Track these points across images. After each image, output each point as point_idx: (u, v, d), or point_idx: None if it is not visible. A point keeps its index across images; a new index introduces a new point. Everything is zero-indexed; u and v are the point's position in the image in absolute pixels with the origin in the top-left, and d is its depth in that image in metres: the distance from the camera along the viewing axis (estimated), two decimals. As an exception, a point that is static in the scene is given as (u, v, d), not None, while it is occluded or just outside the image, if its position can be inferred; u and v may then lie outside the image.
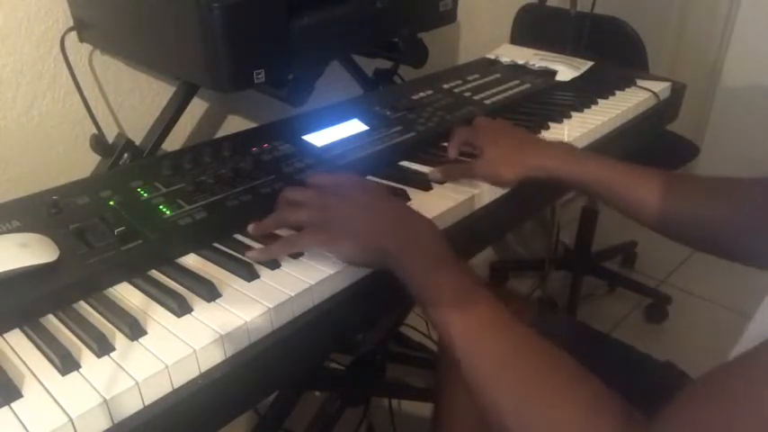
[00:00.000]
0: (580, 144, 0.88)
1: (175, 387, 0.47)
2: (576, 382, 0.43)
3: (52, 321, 0.52)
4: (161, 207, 0.65)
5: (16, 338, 0.50)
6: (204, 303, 0.53)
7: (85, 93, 0.90)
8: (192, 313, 0.52)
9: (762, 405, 0.31)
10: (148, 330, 0.50)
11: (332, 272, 0.57)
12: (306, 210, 0.58)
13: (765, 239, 0.55)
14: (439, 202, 0.69)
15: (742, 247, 0.59)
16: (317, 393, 1.22)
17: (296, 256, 0.59)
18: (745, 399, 0.32)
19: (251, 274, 0.56)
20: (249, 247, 0.60)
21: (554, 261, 1.84)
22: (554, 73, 1.11)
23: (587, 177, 0.70)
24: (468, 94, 1.01)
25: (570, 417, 0.41)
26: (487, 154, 0.74)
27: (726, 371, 0.34)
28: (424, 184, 0.73)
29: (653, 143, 1.13)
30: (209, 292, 0.54)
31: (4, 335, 0.50)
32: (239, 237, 0.63)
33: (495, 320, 0.49)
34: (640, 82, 1.08)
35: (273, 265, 0.58)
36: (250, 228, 0.62)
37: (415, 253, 0.53)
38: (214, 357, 0.49)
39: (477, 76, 1.09)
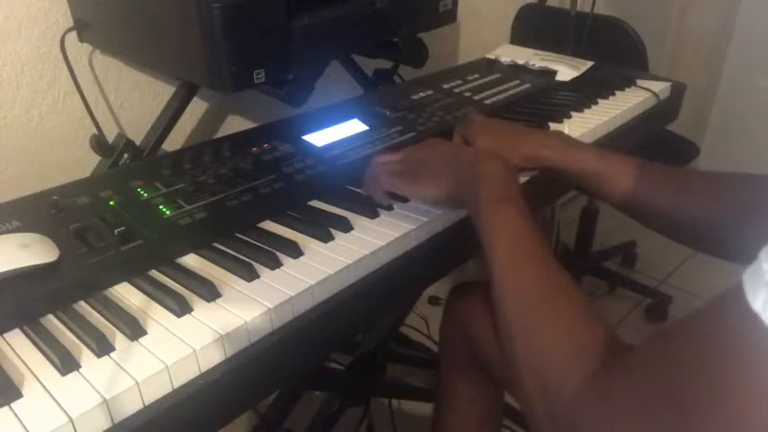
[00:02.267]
0: (580, 144, 0.88)
1: (175, 387, 0.47)
2: (580, 322, 0.46)
3: (52, 321, 0.52)
4: (161, 207, 0.65)
5: (16, 338, 0.50)
6: (204, 303, 0.53)
7: (85, 93, 0.90)
8: (192, 313, 0.52)
9: (722, 346, 0.32)
10: (148, 330, 0.50)
11: (332, 272, 0.57)
12: (391, 164, 0.67)
13: (747, 235, 0.56)
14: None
15: (725, 242, 0.60)
16: (317, 393, 1.22)
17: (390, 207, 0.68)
18: (706, 339, 0.34)
19: (251, 274, 0.56)
20: (249, 246, 0.61)
21: (554, 261, 1.84)
22: (554, 73, 1.11)
23: (578, 167, 0.70)
24: (468, 94, 1.01)
25: (559, 345, 0.45)
26: (481, 147, 0.74)
27: (688, 317, 0.36)
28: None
29: (653, 143, 1.13)
30: (209, 292, 0.54)
31: (4, 335, 0.50)
32: (240, 236, 0.63)
33: (528, 255, 0.52)
34: (640, 82, 1.08)
35: (274, 264, 0.58)
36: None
37: (486, 186, 0.58)
38: (214, 357, 0.49)
39: (477, 76, 1.09)
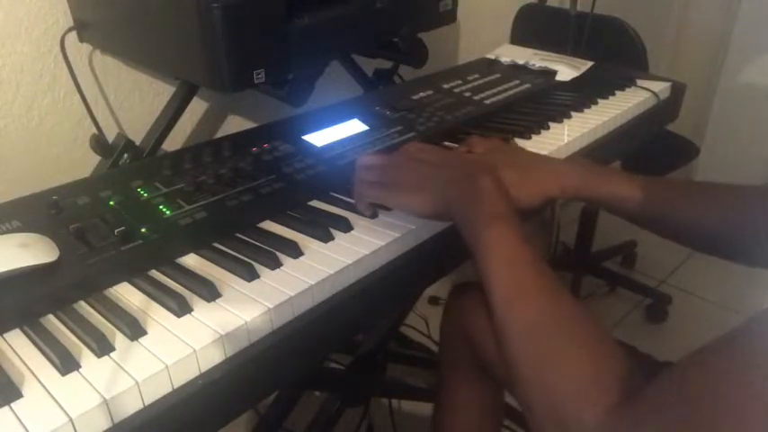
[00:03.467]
0: (580, 144, 0.88)
1: (175, 387, 0.47)
2: (595, 354, 0.44)
3: (52, 321, 0.52)
4: (161, 207, 0.65)
5: (16, 338, 0.50)
6: (204, 303, 0.53)
7: (85, 93, 0.90)
8: (192, 313, 0.52)
9: (743, 384, 0.32)
10: (148, 330, 0.50)
11: (332, 272, 0.57)
12: (373, 171, 0.64)
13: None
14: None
15: (751, 251, 0.59)
16: (317, 393, 1.22)
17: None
18: (727, 377, 0.33)
19: (251, 274, 0.56)
20: (249, 246, 0.61)
21: (554, 261, 1.84)
22: (554, 73, 1.11)
23: (608, 195, 0.68)
24: (468, 94, 1.01)
25: (573, 373, 0.43)
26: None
27: (709, 349, 0.35)
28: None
29: (653, 143, 1.13)
30: (210, 292, 0.54)
31: (4, 335, 0.50)
32: (240, 236, 0.63)
33: (535, 282, 0.50)
34: (640, 82, 1.08)
35: (274, 264, 0.58)
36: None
37: (476, 205, 0.55)
38: (214, 357, 0.49)
39: (477, 76, 1.09)
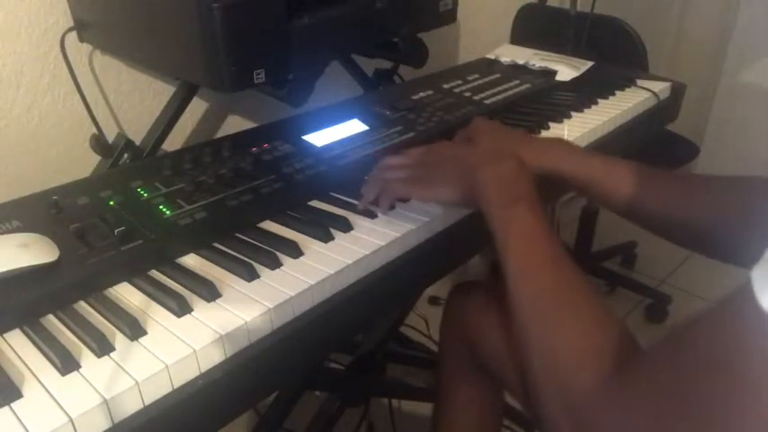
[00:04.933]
0: (580, 144, 0.88)
1: (175, 387, 0.47)
2: (596, 325, 0.47)
3: (52, 321, 0.52)
4: (161, 207, 0.65)
5: (16, 338, 0.50)
6: (204, 303, 0.53)
7: (85, 93, 0.90)
8: (192, 313, 0.52)
9: (737, 350, 0.32)
10: (148, 330, 0.50)
11: (332, 272, 0.57)
12: (402, 169, 0.67)
13: (751, 237, 0.56)
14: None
15: (729, 245, 0.60)
16: (317, 393, 1.22)
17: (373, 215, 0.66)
18: (720, 346, 0.34)
19: (251, 274, 0.56)
20: (249, 246, 0.61)
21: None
22: (554, 73, 1.11)
23: (582, 175, 0.69)
24: (468, 94, 1.01)
25: (574, 340, 0.46)
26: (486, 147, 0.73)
27: (699, 317, 0.36)
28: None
29: (653, 143, 1.13)
30: (210, 292, 0.54)
31: (4, 335, 0.50)
32: (240, 236, 0.63)
33: (547, 256, 0.53)
34: (640, 82, 1.08)
35: (274, 264, 0.58)
36: (359, 205, 0.68)
37: (500, 187, 0.58)
38: (214, 357, 0.49)
39: (477, 76, 1.09)
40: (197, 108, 1.08)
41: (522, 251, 0.53)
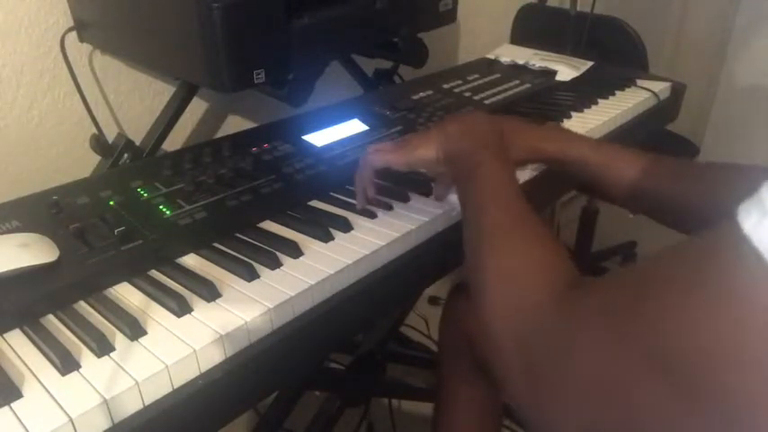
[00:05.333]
0: (580, 144, 0.88)
1: (175, 387, 0.47)
2: (550, 251, 0.47)
3: (52, 321, 0.52)
4: (161, 207, 0.65)
5: (16, 338, 0.50)
6: (204, 303, 0.53)
7: (85, 93, 0.90)
8: (192, 313, 0.52)
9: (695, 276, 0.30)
10: (148, 330, 0.50)
11: (332, 272, 0.57)
12: (383, 145, 0.68)
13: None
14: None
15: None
16: (317, 393, 1.22)
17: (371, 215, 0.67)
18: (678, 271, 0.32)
19: (251, 274, 0.56)
20: (249, 246, 0.61)
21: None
22: (554, 73, 1.11)
23: (579, 158, 0.68)
24: (468, 94, 1.01)
25: (527, 260, 0.46)
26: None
27: (666, 252, 0.34)
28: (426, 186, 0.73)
29: (653, 143, 1.13)
30: (210, 292, 0.54)
31: (4, 335, 0.50)
32: (240, 236, 0.63)
33: (505, 194, 0.54)
34: (640, 82, 1.08)
35: (274, 264, 0.58)
36: (357, 204, 0.69)
37: (469, 137, 0.62)
38: (214, 357, 0.49)
39: (477, 76, 1.09)
40: (197, 108, 1.08)
41: (483, 188, 0.55)
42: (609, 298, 0.35)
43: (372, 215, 0.67)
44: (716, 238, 0.30)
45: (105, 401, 0.43)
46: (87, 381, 0.45)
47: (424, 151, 0.65)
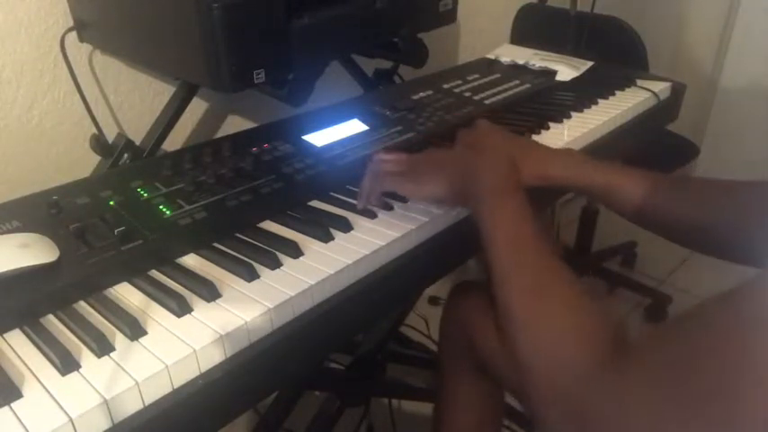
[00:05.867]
0: (580, 144, 0.88)
1: (175, 387, 0.47)
2: (582, 309, 0.47)
3: (52, 321, 0.52)
4: (161, 207, 0.65)
5: (16, 338, 0.50)
6: (204, 303, 0.53)
7: (85, 93, 0.90)
8: (192, 313, 0.52)
9: (748, 342, 0.31)
10: (148, 330, 0.50)
11: (332, 272, 0.57)
12: (396, 165, 0.67)
13: (757, 238, 0.56)
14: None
15: (736, 246, 0.59)
16: (317, 393, 1.22)
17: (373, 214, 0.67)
18: (730, 334, 0.32)
19: (251, 274, 0.56)
20: (249, 246, 0.61)
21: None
22: (554, 73, 1.11)
23: (587, 184, 0.69)
24: (468, 94, 1.01)
25: (565, 333, 0.45)
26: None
27: (711, 305, 0.35)
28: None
29: (653, 143, 1.13)
30: (210, 292, 0.54)
31: (4, 335, 0.50)
32: (240, 236, 0.63)
33: (532, 253, 0.53)
34: (640, 82, 1.08)
35: (274, 264, 0.58)
36: (358, 204, 0.68)
37: (491, 178, 0.60)
38: (214, 357, 0.49)
39: (477, 76, 1.09)
40: (197, 108, 1.08)
41: (509, 245, 0.54)
42: (661, 371, 0.36)
43: (372, 215, 0.67)
44: (754, 313, 0.31)
45: (105, 401, 0.43)
46: (87, 381, 0.45)
47: (433, 188, 0.64)
